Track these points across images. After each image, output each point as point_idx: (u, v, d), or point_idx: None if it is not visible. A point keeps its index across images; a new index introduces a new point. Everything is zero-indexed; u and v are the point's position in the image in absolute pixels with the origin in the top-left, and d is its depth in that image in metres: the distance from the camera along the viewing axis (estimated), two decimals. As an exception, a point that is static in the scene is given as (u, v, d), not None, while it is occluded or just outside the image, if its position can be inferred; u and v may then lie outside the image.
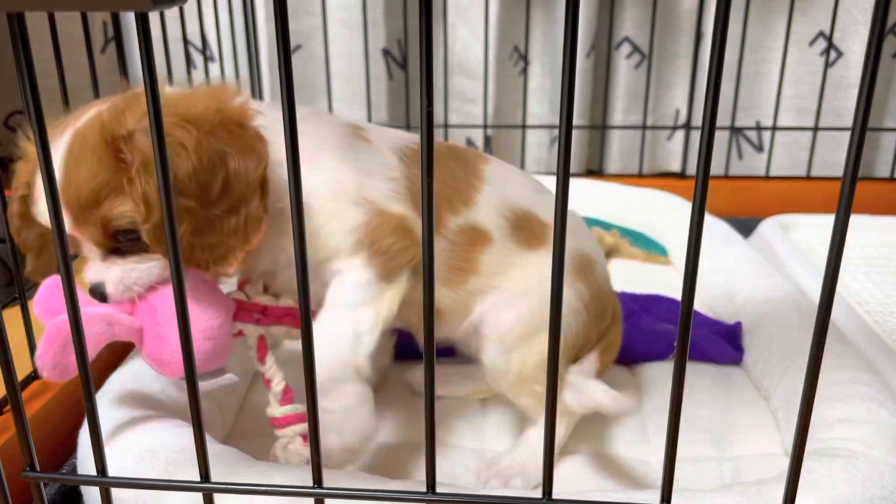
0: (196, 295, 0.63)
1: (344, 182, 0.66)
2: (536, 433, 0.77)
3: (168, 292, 0.62)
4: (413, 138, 0.74)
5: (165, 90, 0.61)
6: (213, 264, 0.61)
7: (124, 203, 0.58)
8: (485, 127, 1.65)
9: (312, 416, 0.48)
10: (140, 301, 0.63)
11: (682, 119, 1.66)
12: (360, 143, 0.69)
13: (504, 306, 0.72)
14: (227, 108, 0.61)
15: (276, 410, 0.68)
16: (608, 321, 0.79)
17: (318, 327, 0.64)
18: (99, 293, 0.63)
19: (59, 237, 0.46)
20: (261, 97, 1.64)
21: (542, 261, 0.73)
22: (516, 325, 0.71)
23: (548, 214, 0.75)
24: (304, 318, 0.46)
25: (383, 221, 0.66)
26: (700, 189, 0.41)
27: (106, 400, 0.73)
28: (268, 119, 0.63)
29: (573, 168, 1.65)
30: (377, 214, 0.66)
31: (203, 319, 0.63)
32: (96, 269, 0.63)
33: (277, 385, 0.69)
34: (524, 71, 1.65)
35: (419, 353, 0.92)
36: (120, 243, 0.61)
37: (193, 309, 0.62)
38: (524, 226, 0.74)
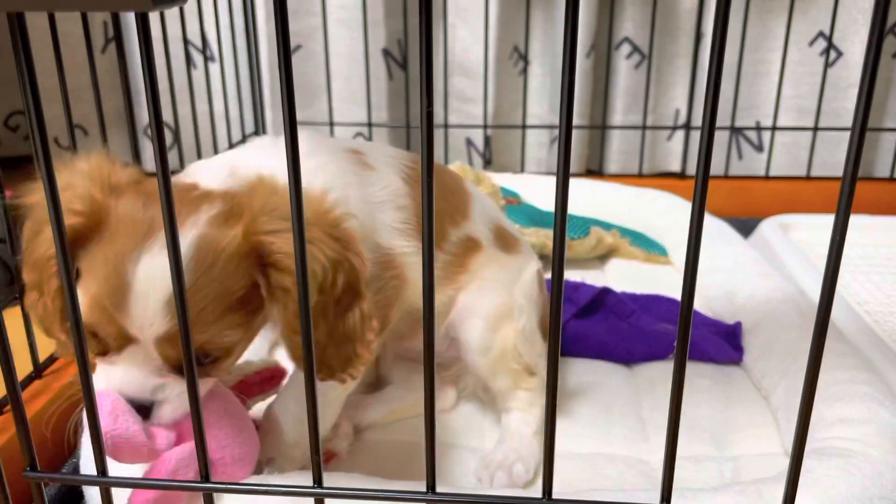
0: (230, 420, 0.62)
1: (366, 226, 0.66)
2: (513, 419, 0.80)
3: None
4: (408, 155, 0.76)
5: (264, 179, 0.58)
6: (339, 370, 0.60)
7: (234, 326, 0.55)
8: (485, 127, 1.65)
9: (313, 417, 0.49)
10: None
11: (682, 119, 1.66)
12: (366, 172, 0.70)
13: (489, 291, 0.77)
14: (328, 210, 0.59)
15: None
16: None
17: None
18: (136, 405, 0.57)
19: (61, 246, 0.45)
20: (261, 97, 1.64)
21: (517, 261, 0.81)
22: (501, 306, 0.76)
23: (510, 228, 0.87)
24: (304, 319, 0.46)
25: (385, 282, 0.67)
26: (700, 189, 0.41)
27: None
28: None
29: (573, 168, 1.65)
30: (382, 267, 0.67)
31: (237, 444, 0.62)
32: (141, 383, 0.56)
33: None
34: (524, 71, 1.65)
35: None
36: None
37: (232, 436, 0.62)
38: (501, 235, 0.83)
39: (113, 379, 0.56)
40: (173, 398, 0.57)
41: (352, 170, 0.68)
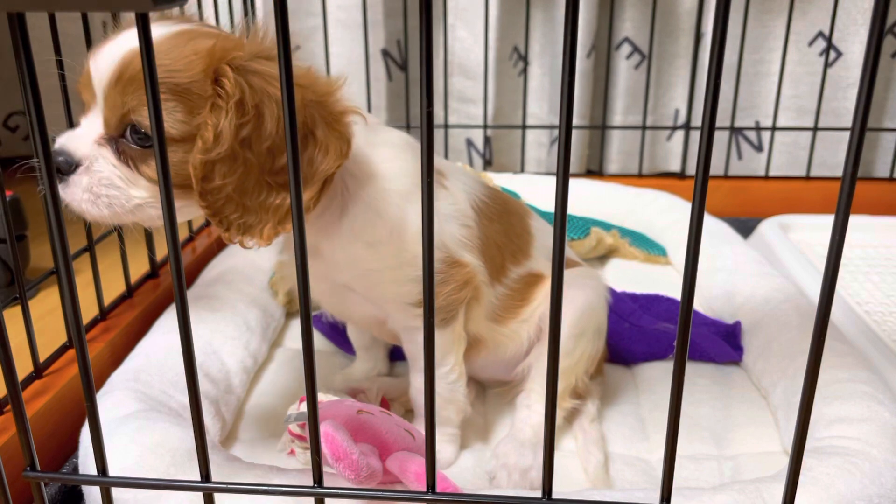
0: (389, 420, 0.69)
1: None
2: (538, 421, 0.80)
3: (385, 422, 0.68)
4: (486, 190, 0.80)
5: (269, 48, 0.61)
6: (235, 230, 0.60)
7: (169, 111, 0.57)
8: (485, 127, 1.65)
9: (313, 419, 0.49)
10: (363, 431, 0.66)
11: (682, 119, 1.66)
12: (440, 190, 0.74)
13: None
14: (332, 97, 0.61)
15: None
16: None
17: (416, 389, 0.78)
18: (62, 161, 0.59)
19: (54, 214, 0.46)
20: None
21: (580, 269, 0.87)
22: (574, 324, 0.80)
23: (575, 257, 0.93)
24: (304, 317, 0.46)
25: (450, 276, 0.72)
26: (700, 189, 0.41)
27: (106, 399, 0.73)
28: (374, 138, 0.67)
29: (573, 168, 1.65)
30: (448, 265, 0.72)
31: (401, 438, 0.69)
32: (81, 141, 0.60)
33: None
34: (524, 71, 1.65)
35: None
36: (123, 141, 0.59)
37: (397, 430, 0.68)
38: (568, 263, 0.84)
39: (63, 138, 0.60)
40: (95, 171, 0.59)
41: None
